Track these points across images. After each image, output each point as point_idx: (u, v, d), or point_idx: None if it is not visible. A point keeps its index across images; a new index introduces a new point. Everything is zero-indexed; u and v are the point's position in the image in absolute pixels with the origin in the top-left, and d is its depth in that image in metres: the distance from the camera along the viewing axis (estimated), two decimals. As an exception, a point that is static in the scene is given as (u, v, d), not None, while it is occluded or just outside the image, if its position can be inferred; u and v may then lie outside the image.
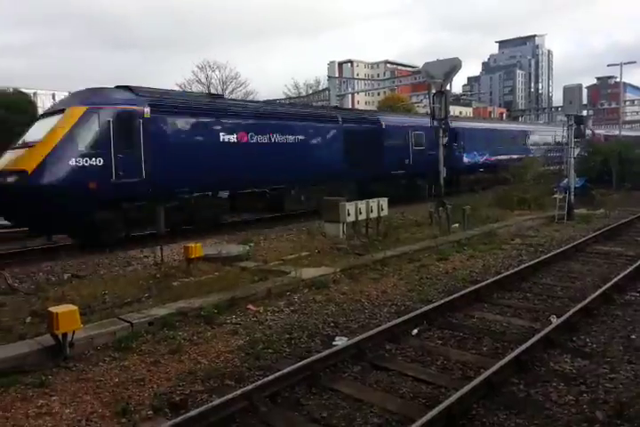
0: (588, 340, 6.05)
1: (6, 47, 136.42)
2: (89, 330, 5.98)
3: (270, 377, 4.84)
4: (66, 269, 9.46)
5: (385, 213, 12.69)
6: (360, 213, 11.99)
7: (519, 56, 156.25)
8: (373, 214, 12.32)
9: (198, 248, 9.01)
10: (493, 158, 25.87)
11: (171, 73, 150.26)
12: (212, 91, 51.45)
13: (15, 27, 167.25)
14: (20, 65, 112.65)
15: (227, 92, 53.22)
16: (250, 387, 4.64)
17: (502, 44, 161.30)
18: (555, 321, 6.50)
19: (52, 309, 5.56)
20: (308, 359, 5.25)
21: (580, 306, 6.87)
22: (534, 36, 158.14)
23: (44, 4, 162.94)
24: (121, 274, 9.19)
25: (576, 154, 17.20)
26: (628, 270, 8.86)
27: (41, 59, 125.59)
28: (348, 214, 11.78)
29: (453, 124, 22.79)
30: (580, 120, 17.55)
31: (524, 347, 5.46)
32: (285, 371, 4.95)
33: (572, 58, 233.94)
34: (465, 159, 23.96)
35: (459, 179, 22.86)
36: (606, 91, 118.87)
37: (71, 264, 9.87)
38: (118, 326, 6.22)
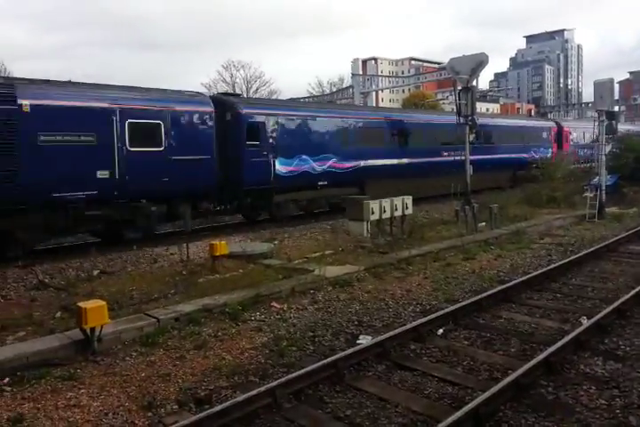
0: (620, 342, 5.87)
1: (42, 50, 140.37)
2: (117, 325, 6.10)
3: (294, 374, 4.85)
4: (95, 266, 9.66)
5: (409, 211, 12.57)
6: (384, 211, 11.91)
7: (547, 51, 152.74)
8: (398, 213, 12.22)
9: (223, 246, 9.09)
10: (351, 164, 16.65)
11: (197, 73, 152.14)
12: (237, 90, 52.07)
13: (47, 30, 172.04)
14: (53, 67, 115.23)
15: (251, 91, 53.76)
16: (274, 384, 4.65)
17: (530, 38, 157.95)
18: (585, 323, 6.33)
19: (81, 304, 5.69)
20: (332, 357, 5.23)
21: (611, 307, 6.67)
22: (563, 30, 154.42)
23: (69, 8, 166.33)
24: (148, 271, 9.34)
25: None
26: (663, 271, 8.59)
27: (71, 60, 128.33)
28: (372, 213, 11.71)
29: (245, 110, 13.99)
30: (611, 116, 17.05)
31: (553, 348, 5.33)
32: (309, 369, 4.95)
33: (601, 53, 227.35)
34: (279, 167, 14.57)
35: (270, 200, 14.51)
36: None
37: (100, 261, 10.07)
38: (145, 322, 6.32)
